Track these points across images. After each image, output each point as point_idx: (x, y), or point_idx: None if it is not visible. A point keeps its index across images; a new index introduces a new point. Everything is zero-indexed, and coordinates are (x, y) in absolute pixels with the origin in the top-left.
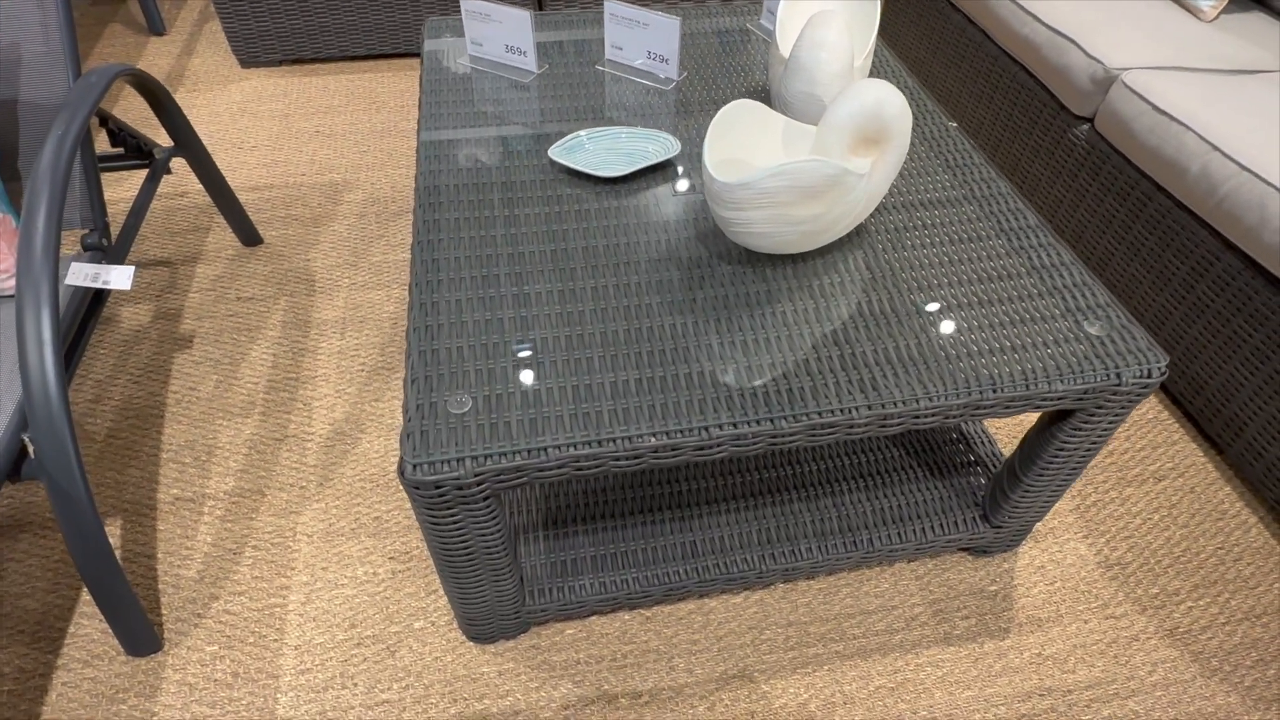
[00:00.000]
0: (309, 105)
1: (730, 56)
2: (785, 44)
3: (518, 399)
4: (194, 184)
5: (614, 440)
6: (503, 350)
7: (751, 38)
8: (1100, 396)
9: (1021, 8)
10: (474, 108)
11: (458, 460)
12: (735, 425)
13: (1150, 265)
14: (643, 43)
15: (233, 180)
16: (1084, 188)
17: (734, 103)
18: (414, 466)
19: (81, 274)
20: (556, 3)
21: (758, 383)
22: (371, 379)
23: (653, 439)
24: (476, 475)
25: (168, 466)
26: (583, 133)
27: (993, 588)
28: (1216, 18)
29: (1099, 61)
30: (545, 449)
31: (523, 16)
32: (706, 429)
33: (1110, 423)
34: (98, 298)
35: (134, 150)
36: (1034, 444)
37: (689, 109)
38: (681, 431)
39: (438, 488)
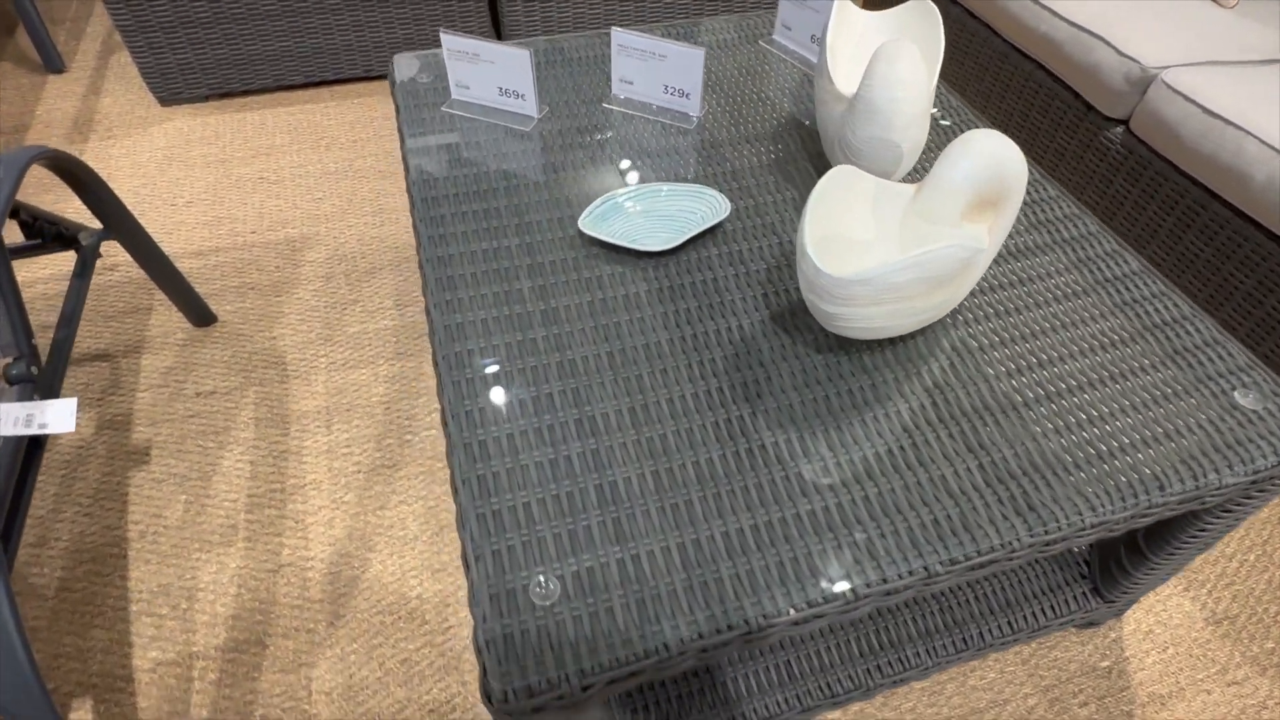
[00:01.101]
0: (247, 147)
1: (750, 83)
2: (841, 77)
3: (613, 571)
4: (124, 254)
5: (746, 620)
6: (580, 502)
7: (768, 58)
8: (1269, 482)
9: (1038, 2)
10: (473, 167)
11: (559, 674)
12: (885, 579)
13: (1207, 278)
14: (658, 76)
15: (169, 246)
16: (1120, 195)
17: (830, 174)
18: (505, 691)
19: (9, 419)
20: (517, 32)
21: (898, 517)
22: (371, 481)
23: (792, 611)
24: (584, 688)
25: (140, 621)
26: (615, 194)
27: (1105, 664)
28: (1236, 4)
29: (1134, 60)
30: (665, 644)
31: (521, 56)
32: (853, 591)
33: (1265, 499)
34: (35, 443)
35: (55, 238)
36: (1167, 524)
37: (720, 152)
38: (824, 598)
39: (536, 711)
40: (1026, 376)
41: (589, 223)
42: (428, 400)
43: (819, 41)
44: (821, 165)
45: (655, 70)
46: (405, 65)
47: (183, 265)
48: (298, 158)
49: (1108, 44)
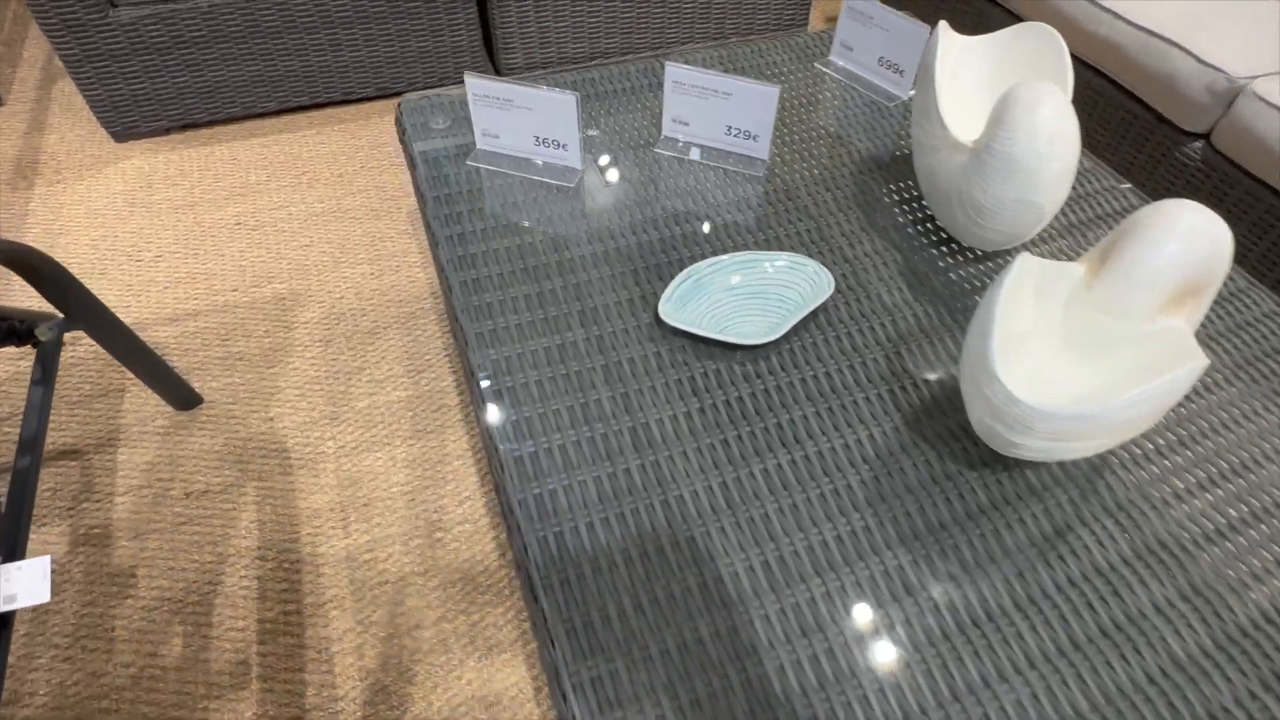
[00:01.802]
0: (219, 187)
1: (815, 115)
2: (957, 120)
3: None
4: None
5: None
6: (700, 661)
7: (828, 84)
8: None
9: (1099, 6)
10: (515, 237)
11: None
12: None
13: None
14: (720, 116)
15: (138, 312)
16: None
17: (1016, 267)
18: None
19: None
20: (514, 62)
21: (1126, 705)
22: (402, 593)
23: None
24: None
25: None
26: (695, 270)
27: None
28: None
29: (1218, 70)
30: None
31: (564, 102)
32: None
33: None
34: (2, 620)
35: (6, 335)
36: None
37: (798, 203)
38: None
39: None
40: (1222, 488)
41: (671, 309)
42: (456, 487)
43: (891, 65)
44: (921, 218)
45: (717, 110)
46: (415, 110)
47: (156, 335)
48: (278, 197)
49: (1186, 51)
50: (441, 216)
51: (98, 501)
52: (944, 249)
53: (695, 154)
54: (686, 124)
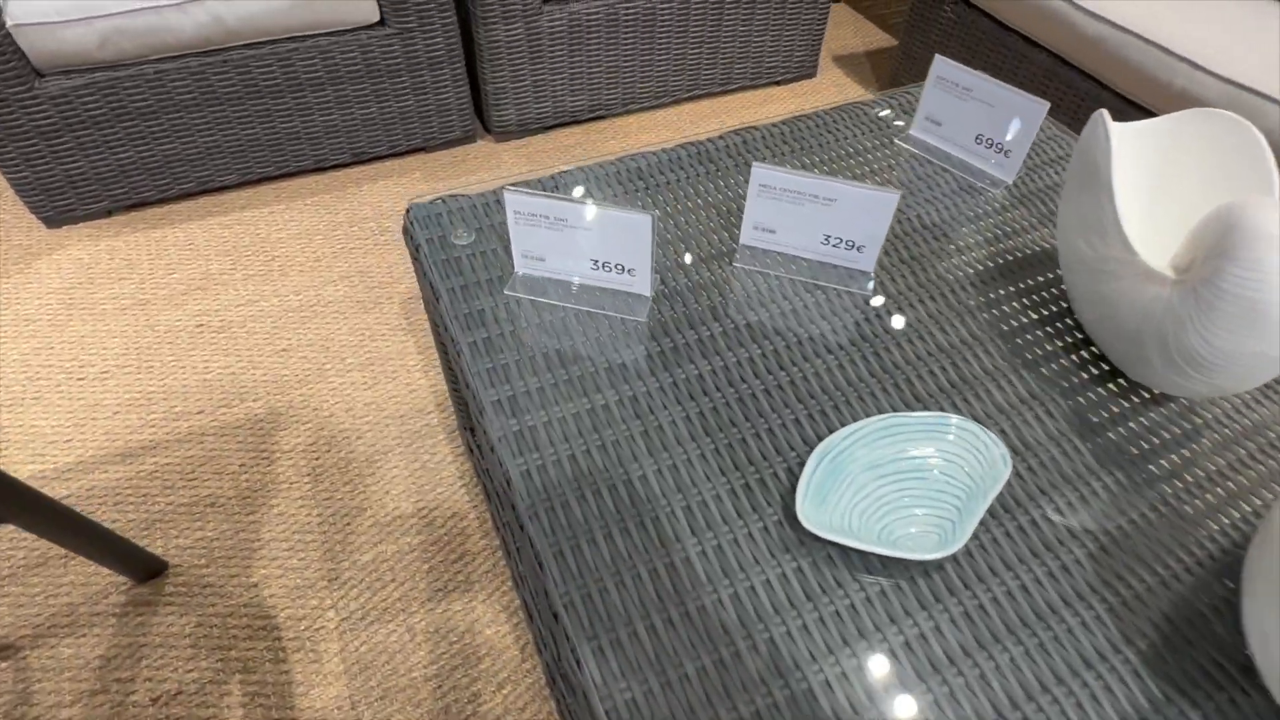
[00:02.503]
0: (174, 279)
1: (912, 206)
2: (1146, 243)
3: None
4: (13, 454)
5: None
6: None
7: (911, 165)
8: None
9: (1172, 54)
10: (581, 399)
11: None
12: None
13: None
14: (818, 224)
15: (81, 449)
16: None
17: None
18: None
19: None
20: (506, 123)
21: None
22: None
23: None
24: None
25: None
26: (829, 446)
27: None
28: None
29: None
30: None
31: (639, 222)
32: None
33: None
34: None
35: None
36: None
37: (919, 328)
38: None
39: None
40: None
41: (810, 509)
42: (491, 664)
43: (993, 144)
44: (1074, 344)
45: (814, 217)
46: (428, 220)
47: (104, 479)
48: (245, 290)
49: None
50: (481, 373)
51: (38, 712)
52: (1114, 387)
53: (783, 272)
54: (772, 231)
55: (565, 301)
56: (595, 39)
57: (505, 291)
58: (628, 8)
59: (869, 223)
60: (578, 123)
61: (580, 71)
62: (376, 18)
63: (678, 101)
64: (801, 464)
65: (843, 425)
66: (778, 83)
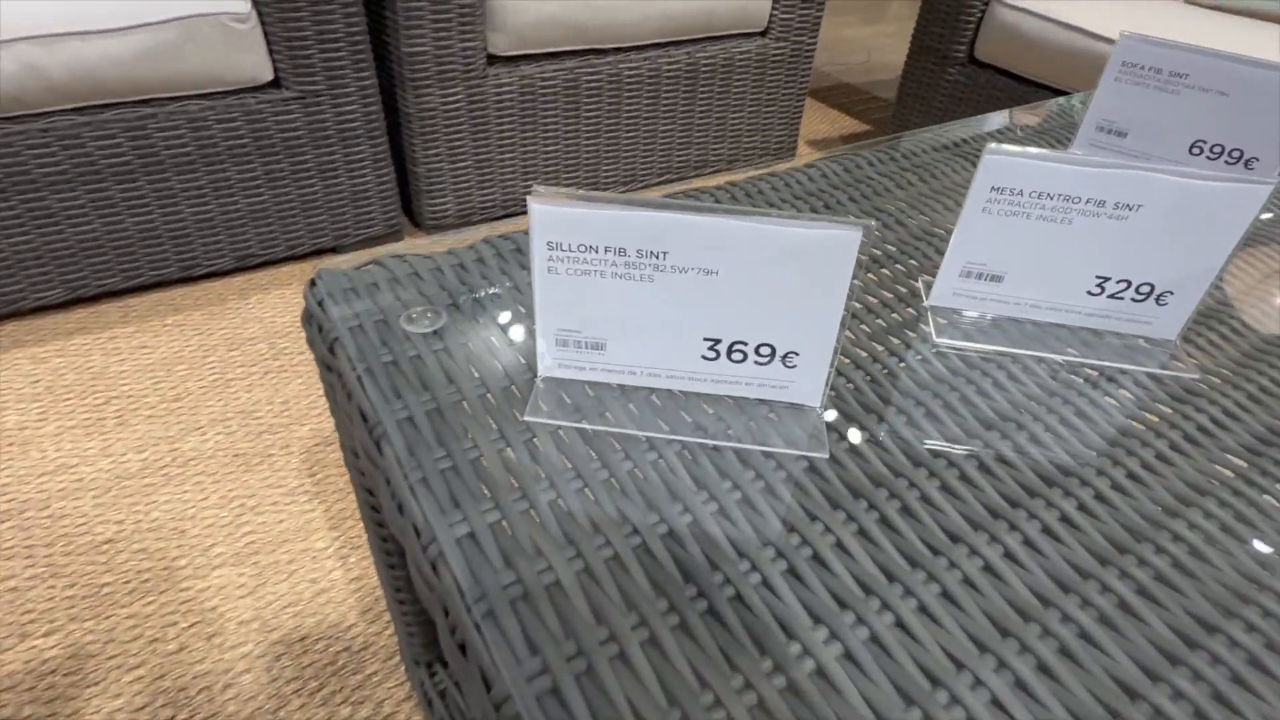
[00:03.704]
0: (7, 426)
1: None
2: None
3: None
4: None
5: None
6: None
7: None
8: None
9: None
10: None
11: None
12: None
13: None
14: (1092, 252)
15: None
16: None
17: None
18: None
19: None
20: (441, 217)
21: None
22: None
23: None
24: None
25: None
26: None
27: None
28: None
29: None
30: None
31: (841, 241)
32: None
33: None
34: None
35: None
36: None
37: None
38: None
39: None
40: None
41: None
42: None
43: (1233, 155)
44: None
45: (1089, 235)
46: (347, 296)
47: None
48: (57, 451)
49: None
50: (481, 577)
51: None
52: None
53: (1023, 347)
54: (997, 279)
55: (647, 428)
56: (552, 110)
57: (527, 416)
58: (590, 73)
59: (1188, 247)
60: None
61: (534, 149)
62: (269, 76)
63: (647, 187)
64: None
65: None
66: (755, 166)
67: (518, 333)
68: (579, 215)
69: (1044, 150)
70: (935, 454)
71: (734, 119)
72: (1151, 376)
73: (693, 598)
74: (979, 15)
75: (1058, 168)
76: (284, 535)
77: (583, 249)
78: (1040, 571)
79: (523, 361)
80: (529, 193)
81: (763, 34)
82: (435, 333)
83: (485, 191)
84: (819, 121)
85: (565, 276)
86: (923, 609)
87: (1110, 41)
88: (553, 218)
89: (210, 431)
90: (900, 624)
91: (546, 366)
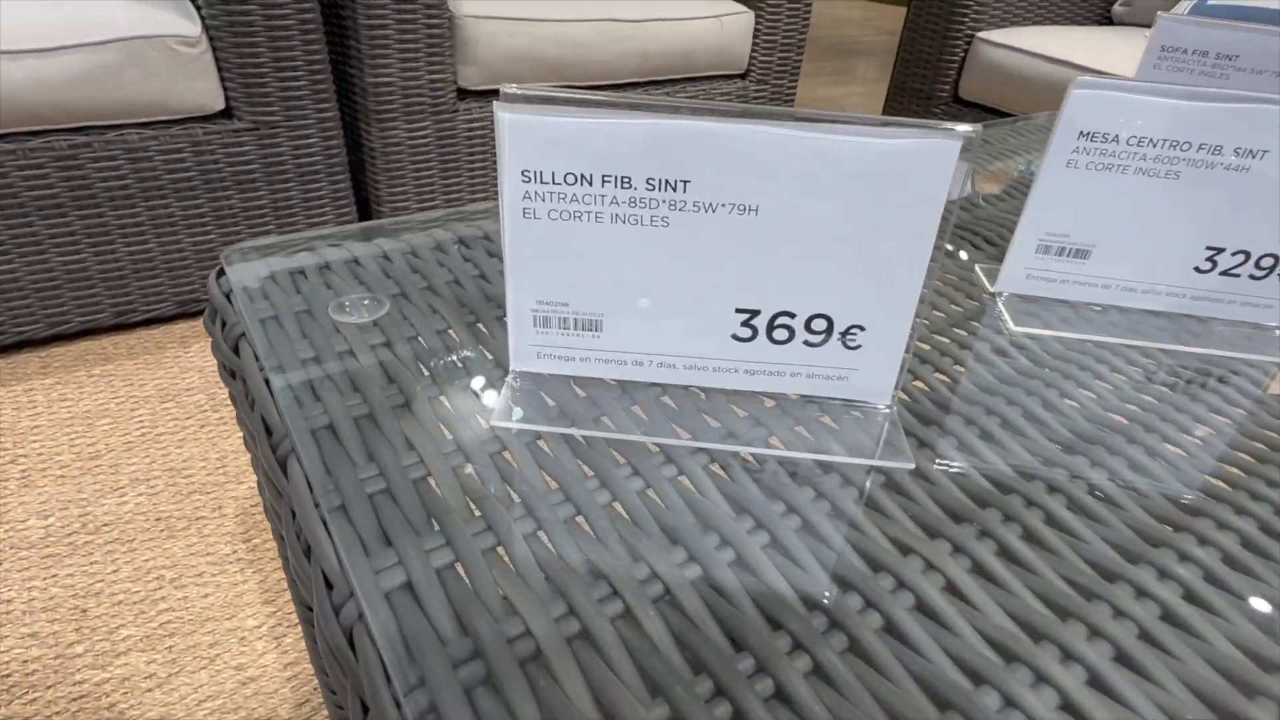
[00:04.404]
0: None
1: None
2: None
3: None
4: None
5: None
6: None
7: None
8: None
9: None
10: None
11: None
12: None
13: None
14: (1197, 219)
15: None
16: None
17: None
18: None
19: None
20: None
21: None
22: None
23: None
24: None
25: None
26: None
27: None
28: None
29: None
30: None
31: (938, 152)
32: None
33: None
34: None
35: None
36: None
37: None
38: None
39: None
40: None
41: None
42: None
43: None
44: None
45: (1192, 199)
46: (260, 286)
47: None
48: (57, 491)
49: None
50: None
51: None
52: None
53: (1105, 334)
54: (1083, 255)
55: (660, 434)
56: None
57: (494, 422)
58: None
59: None
60: None
61: None
62: (220, 105)
63: None
64: None
65: None
66: None
67: (484, 325)
68: (568, 129)
69: (1146, 81)
70: (1049, 461)
71: None
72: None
73: (751, 675)
74: (962, 55)
75: (1163, 102)
76: (207, 612)
77: (571, 180)
78: (1245, 622)
79: (489, 357)
80: (494, 99)
81: (743, 76)
82: (374, 324)
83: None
84: None
85: (546, 223)
86: (1094, 680)
87: (1098, 73)
88: (530, 132)
89: (130, 493)
90: (1067, 704)
91: (521, 356)
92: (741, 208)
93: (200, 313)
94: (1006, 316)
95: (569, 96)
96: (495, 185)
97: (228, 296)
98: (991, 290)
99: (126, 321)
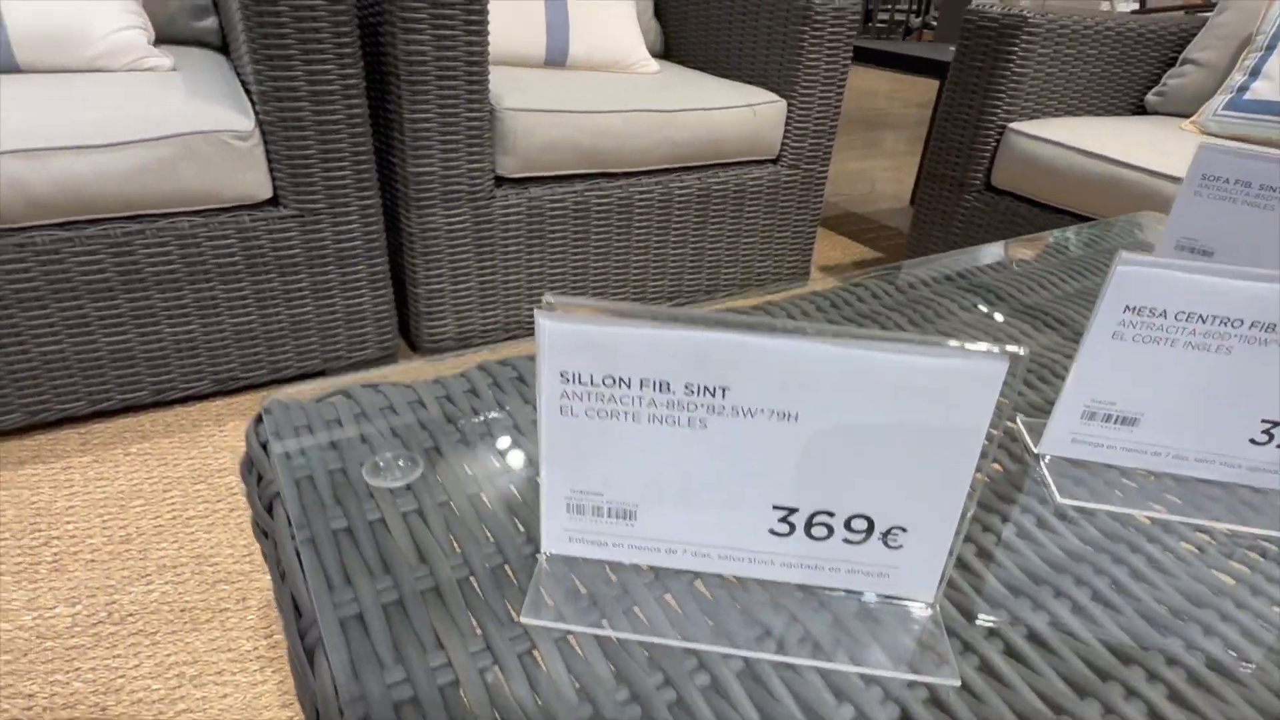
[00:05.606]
0: None
1: None
2: None
3: None
4: None
5: None
6: None
7: None
8: None
9: None
10: None
11: None
12: None
13: None
14: (1250, 391)
15: None
16: None
17: None
18: None
19: None
20: (441, 337)
21: None
22: None
23: None
24: None
25: None
26: None
27: None
28: None
29: None
30: None
31: (983, 373)
32: None
33: None
34: None
35: None
36: None
37: None
38: None
39: None
40: None
41: None
42: None
43: None
44: None
45: (1242, 370)
46: (298, 439)
47: None
48: (87, 577)
49: None
50: None
51: None
52: None
53: (1158, 509)
54: (1131, 422)
55: (693, 636)
56: (560, 232)
57: (524, 618)
58: (600, 196)
59: None
60: (533, 334)
61: (540, 269)
62: (268, 194)
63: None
64: None
65: None
66: (768, 291)
67: (517, 489)
68: (605, 336)
69: (1192, 260)
70: (1104, 674)
71: (746, 243)
72: None
73: None
74: (994, 145)
75: (1214, 282)
76: (225, 715)
77: (609, 383)
78: None
79: (522, 531)
80: (536, 306)
81: (775, 161)
82: (407, 487)
83: (488, 312)
84: (830, 248)
85: (584, 420)
86: None
87: (1130, 167)
88: (569, 339)
89: (157, 580)
90: None
91: (554, 539)
92: (781, 414)
93: (235, 391)
94: (1053, 486)
95: (609, 306)
96: (526, 266)
97: (264, 447)
98: (1035, 450)
99: (163, 400)
